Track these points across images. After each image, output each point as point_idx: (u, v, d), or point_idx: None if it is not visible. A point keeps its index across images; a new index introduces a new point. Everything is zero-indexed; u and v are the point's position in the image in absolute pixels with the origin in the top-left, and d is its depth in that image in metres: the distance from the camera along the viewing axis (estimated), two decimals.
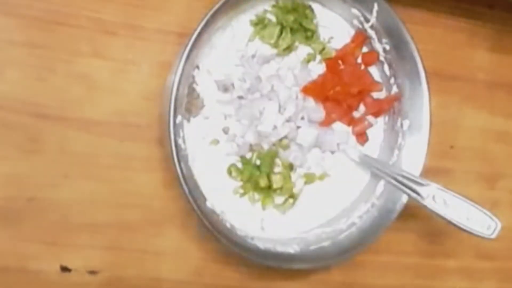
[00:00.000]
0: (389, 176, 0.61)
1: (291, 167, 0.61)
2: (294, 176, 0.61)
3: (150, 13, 0.60)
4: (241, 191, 0.60)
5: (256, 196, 0.60)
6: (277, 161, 0.61)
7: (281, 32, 0.61)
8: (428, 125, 0.63)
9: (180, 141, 0.56)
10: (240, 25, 0.61)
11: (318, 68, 0.63)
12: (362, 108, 0.64)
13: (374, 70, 0.65)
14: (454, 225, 0.57)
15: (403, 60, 0.63)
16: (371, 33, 0.63)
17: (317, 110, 0.62)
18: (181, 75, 0.54)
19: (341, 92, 0.63)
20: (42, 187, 0.56)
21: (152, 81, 0.59)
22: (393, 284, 0.67)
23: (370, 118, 0.64)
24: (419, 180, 0.59)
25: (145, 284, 0.59)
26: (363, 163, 0.63)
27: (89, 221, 0.57)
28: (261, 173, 0.60)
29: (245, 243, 0.58)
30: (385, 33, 0.63)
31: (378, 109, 0.64)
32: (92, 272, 0.57)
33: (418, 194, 0.58)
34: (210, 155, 0.59)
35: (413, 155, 0.63)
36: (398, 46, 0.63)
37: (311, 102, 0.62)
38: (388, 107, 0.65)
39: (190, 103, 0.58)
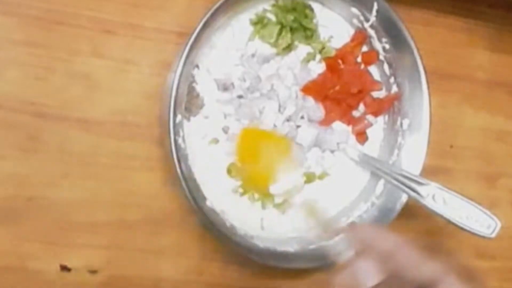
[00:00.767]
0: (389, 176, 0.61)
1: None
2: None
3: (150, 13, 0.60)
4: (241, 190, 0.60)
5: (256, 195, 0.60)
6: None
7: (280, 32, 0.61)
8: (428, 125, 0.63)
9: (180, 140, 0.56)
10: (239, 24, 0.61)
11: (317, 68, 0.63)
12: (362, 107, 0.64)
13: (374, 70, 0.65)
14: (454, 224, 0.57)
15: (403, 59, 0.63)
16: (371, 32, 0.63)
17: (317, 110, 0.62)
18: (181, 74, 0.54)
19: (341, 91, 0.63)
20: (42, 186, 0.56)
21: (152, 81, 0.59)
22: None
23: (370, 117, 0.64)
24: (419, 180, 0.59)
25: (145, 283, 0.59)
26: (363, 163, 0.63)
27: (89, 221, 0.57)
28: None
29: (245, 242, 0.58)
30: (385, 32, 0.63)
31: (378, 108, 0.64)
32: (92, 272, 0.57)
33: (418, 193, 0.58)
34: (210, 154, 0.59)
35: (413, 154, 0.63)
36: (398, 45, 0.63)
37: (311, 101, 0.62)
38: (388, 107, 0.65)
39: (190, 102, 0.58)
